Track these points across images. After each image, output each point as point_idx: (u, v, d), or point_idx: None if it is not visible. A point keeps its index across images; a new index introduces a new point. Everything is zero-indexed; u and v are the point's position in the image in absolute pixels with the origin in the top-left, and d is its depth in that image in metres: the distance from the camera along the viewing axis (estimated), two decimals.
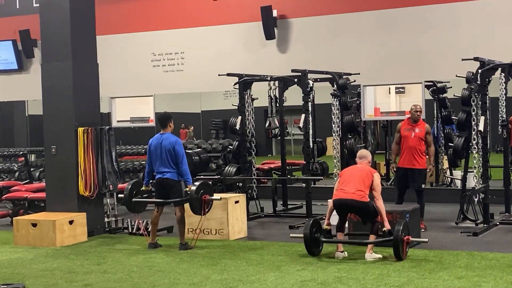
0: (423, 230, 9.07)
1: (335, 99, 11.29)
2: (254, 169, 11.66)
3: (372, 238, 7.61)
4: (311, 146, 11.77)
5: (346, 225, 8.20)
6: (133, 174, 14.28)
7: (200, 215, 8.49)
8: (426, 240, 7.85)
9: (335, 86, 11.42)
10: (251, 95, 11.57)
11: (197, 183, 8.46)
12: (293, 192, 12.07)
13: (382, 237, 7.55)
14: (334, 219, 7.96)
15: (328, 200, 8.25)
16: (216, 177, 11.96)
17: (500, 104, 10.07)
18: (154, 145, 8.65)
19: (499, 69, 9.90)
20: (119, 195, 9.33)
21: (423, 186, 9.41)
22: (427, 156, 9.47)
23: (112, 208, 10.08)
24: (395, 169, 9.72)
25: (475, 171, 9.51)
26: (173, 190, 8.55)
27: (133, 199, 8.79)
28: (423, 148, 9.37)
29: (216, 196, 8.60)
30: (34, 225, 9.15)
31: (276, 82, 11.58)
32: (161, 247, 8.67)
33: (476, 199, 9.41)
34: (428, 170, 9.50)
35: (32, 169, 15.31)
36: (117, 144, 11.83)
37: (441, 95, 12.62)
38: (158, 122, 8.94)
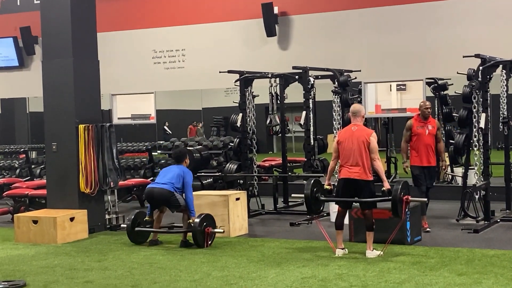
0: (428, 229, 9.01)
1: (336, 96, 11.28)
2: (255, 166, 11.66)
3: (369, 235, 7.60)
4: (312, 143, 11.80)
5: (347, 221, 8.20)
6: (134, 171, 14.29)
7: (203, 247, 8.43)
8: (425, 199, 8.14)
9: (336, 83, 11.42)
10: (252, 92, 11.57)
11: (200, 215, 8.42)
12: (294, 189, 12.02)
13: (382, 196, 7.58)
14: (333, 215, 7.97)
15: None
16: (217, 174, 11.96)
17: (501, 101, 10.06)
18: (166, 167, 8.80)
19: (500, 66, 9.89)
20: (122, 225, 9.24)
21: (434, 183, 9.47)
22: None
23: (113, 205, 10.09)
24: (409, 168, 9.42)
25: (476, 168, 9.50)
26: (168, 202, 8.49)
27: (136, 228, 8.69)
28: (435, 145, 9.34)
29: (218, 229, 8.55)
30: (35, 222, 9.15)
31: (277, 79, 11.58)
32: (162, 244, 8.68)
33: (477, 196, 9.38)
34: (443, 167, 9.48)
35: (33, 166, 15.31)
36: (118, 141, 11.83)
37: (442, 92, 12.60)
38: (173, 159, 8.95)
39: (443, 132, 12.73)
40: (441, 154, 9.50)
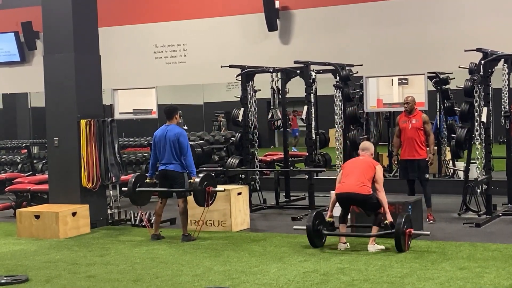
0: (432, 221, 9.08)
1: (338, 91, 11.26)
2: (256, 160, 11.65)
3: (374, 229, 7.60)
4: (314, 138, 11.79)
5: (349, 216, 8.20)
6: (135, 166, 14.30)
7: (204, 207, 8.52)
8: (428, 233, 7.76)
9: (338, 77, 11.39)
10: (254, 86, 11.54)
11: (201, 175, 8.49)
12: (295, 184, 12.07)
13: (384, 229, 7.55)
14: (337, 210, 7.96)
15: (331, 192, 8.25)
16: (219, 169, 11.95)
17: (502, 95, 10.08)
18: (158, 136, 8.67)
19: (502, 60, 9.90)
20: (123, 188, 9.30)
21: (426, 176, 9.40)
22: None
23: (115, 200, 10.10)
24: (396, 162, 9.72)
25: (477, 162, 9.51)
26: (176, 182, 8.57)
27: (137, 189, 8.80)
28: (423, 138, 9.36)
29: (219, 187, 8.62)
30: (37, 217, 9.16)
31: (279, 74, 11.57)
32: (164, 238, 8.69)
33: (478, 190, 9.40)
34: (428, 159, 9.47)
35: (35, 161, 15.33)
36: (120, 136, 11.82)
37: (444, 86, 12.60)
38: (164, 114, 8.90)
39: (445, 126, 12.75)
40: (430, 146, 9.48)
